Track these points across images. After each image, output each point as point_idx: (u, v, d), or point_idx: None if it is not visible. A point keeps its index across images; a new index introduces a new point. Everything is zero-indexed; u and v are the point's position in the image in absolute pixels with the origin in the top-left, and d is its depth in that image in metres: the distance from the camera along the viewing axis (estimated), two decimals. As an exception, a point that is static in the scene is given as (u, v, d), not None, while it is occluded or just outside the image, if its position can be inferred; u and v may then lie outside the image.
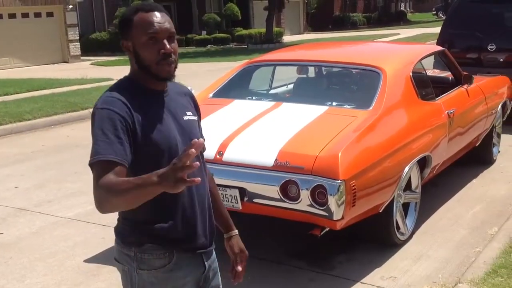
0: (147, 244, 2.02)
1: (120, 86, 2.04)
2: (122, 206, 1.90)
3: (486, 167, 6.47)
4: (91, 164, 1.88)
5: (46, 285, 4.07)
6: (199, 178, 1.70)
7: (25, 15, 21.26)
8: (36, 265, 4.39)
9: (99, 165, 1.86)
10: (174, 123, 2.05)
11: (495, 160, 6.69)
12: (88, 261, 4.34)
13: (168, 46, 1.98)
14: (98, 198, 1.83)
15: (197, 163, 1.68)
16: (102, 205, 1.84)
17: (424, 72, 5.59)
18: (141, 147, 1.95)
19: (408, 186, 4.59)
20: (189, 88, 7.19)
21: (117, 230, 2.10)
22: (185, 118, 2.10)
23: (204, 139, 1.82)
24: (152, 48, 1.98)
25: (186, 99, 2.18)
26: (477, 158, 6.48)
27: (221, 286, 2.31)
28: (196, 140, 1.67)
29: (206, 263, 2.15)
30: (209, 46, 28.34)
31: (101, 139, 1.89)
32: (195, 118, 2.16)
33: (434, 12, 53.79)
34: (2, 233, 5.05)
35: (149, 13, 1.99)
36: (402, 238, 4.52)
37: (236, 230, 2.39)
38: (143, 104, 1.99)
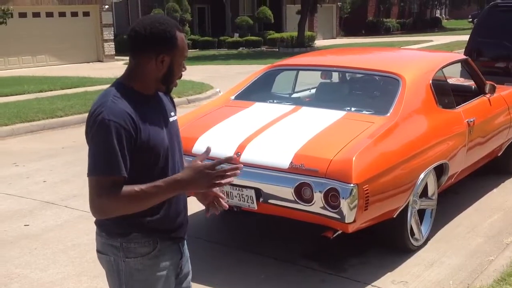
0: (134, 233, 2.16)
1: (120, 93, 2.11)
2: (132, 211, 2.08)
3: (508, 177, 6.45)
4: (100, 176, 2.01)
5: (67, 276, 4.24)
6: (233, 179, 2.03)
7: (62, 14, 21.77)
8: (59, 256, 4.58)
9: (103, 180, 2.01)
10: (164, 125, 2.19)
11: (518, 170, 6.66)
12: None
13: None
14: (106, 207, 2.03)
15: (231, 179, 2.03)
16: (108, 213, 2.06)
17: (445, 80, 5.61)
18: (141, 152, 2.08)
19: (424, 193, 4.63)
20: (217, 90, 7.44)
21: (101, 223, 2.20)
22: (171, 119, 2.25)
23: (205, 150, 2.17)
24: (180, 68, 2.19)
25: (167, 99, 2.32)
26: (499, 168, 6.46)
27: (191, 272, 2.48)
28: (234, 156, 1.97)
29: (182, 251, 2.34)
30: (240, 49, 28.56)
31: (110, 153, 2.01)
32: (176, 118, 2.32)
33: (470, 19, 53.05)
34: (28, 225, 5.25)
35: (183, 35, 2.18)
36: (416, 244, 4.56)
37: None
38: (142, 111, 2.10)
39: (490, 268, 4.10)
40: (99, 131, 2.03)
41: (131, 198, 2.01)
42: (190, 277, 2.46)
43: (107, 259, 2.22)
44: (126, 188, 2.01)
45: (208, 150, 2.16)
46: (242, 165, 2.08)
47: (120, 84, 2.16)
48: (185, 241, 2.39)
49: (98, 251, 2.26)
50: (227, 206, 2.36)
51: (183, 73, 2.23)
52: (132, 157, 2.05)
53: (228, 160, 2.11)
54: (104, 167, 2.01)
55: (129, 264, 2.19)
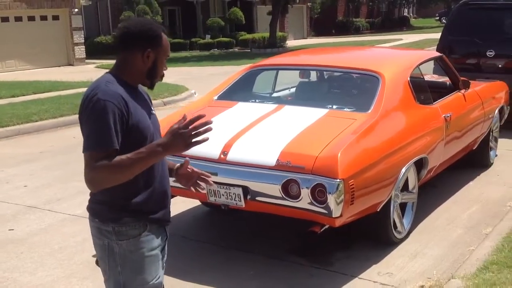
0: (125, 218, 2.36)
1: (112, 80, 2.36)
2: (121, 180, 2.27)
3: (483, 170, 6.64)
4: (95, 150, 2.22)
5: (56, 278, 4.24)
6: (208, 137, 2.22)
7: (31, 18, 21.49)
8: (46, 259, 4.57)
9: (100, 152, 2.22)
10: (149, 116, 2.44)
11: (492, 163, 6.86)
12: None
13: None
14: (97, 177, 2.22)
15: (206, 136, 2.24)
16: (100, 183, 2.26)
17: (422, 77, 5.76)
18: (131, 133, 2.30)
19: (405, 187, 4.76)
20: (193, 91, 7.50)
21: (94, 211, 2.43)
22: (152, 112, 2.51)
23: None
24: (163, 65, 2.46)
25: (147, 97, 2.55)
26: (475, 161, 6.65)
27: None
28: (186, 114, 2.21)
29: (168, 234, 2.57)
30: (212, 50, 28.57)
31: (104, 129, 2.22)
32: (154, 112, 2.54)
33: (438, 18, 53.99)
34: (12, 229, 5.23)
35: (166, 36, 2.44)
36: (399, 236, 4.68)
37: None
38: (131, 97, 2.34)
39: (472, 257, 4.23)
40: (94, 109, 2.24)
41: (120, 165, 2.21)
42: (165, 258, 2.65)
43: (101, 243, 2.42)
44: (116, 159, 2.22)
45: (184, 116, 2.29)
46: (212, 121, 2.25)
47: (111, 74, 2.40)
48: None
49: (93, 236, 2.46)
50: (212, 182, 2.65)
51: (165, 72, 2.49)
52: (123, 137, 2.27)
53: (199, 118, 2.25)
54: (100, 141, 2.22)
55: (122, 246, 2.38)
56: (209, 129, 2.23)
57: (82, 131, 2.30)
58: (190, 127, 2.22)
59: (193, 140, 2.23)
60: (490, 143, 6.81)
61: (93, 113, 2.24)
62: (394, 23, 47.32)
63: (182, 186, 2.69)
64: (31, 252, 4.71)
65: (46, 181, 6.72)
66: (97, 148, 2.22)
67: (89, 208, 2.45)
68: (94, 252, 4.55)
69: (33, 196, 6.16)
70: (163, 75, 2.49)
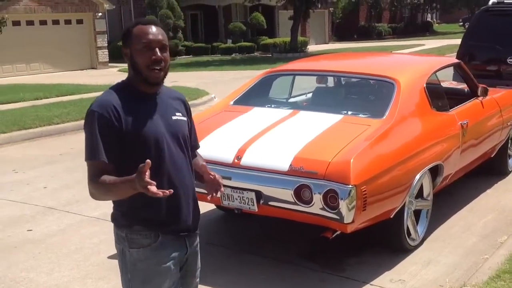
0: (135, 225, 2.35)
1: (117, 88, 2.38)
2: (109, 199, 2.36)
3: (501, 178, 6.58)
4: (86, 161, 2.29)
5: (72, 279, 4.32)
6: (166, 192, 2.07)
7: (55, 22, 21.85)
8: (63, 260, 4.66)
9: (92, 165, 2.27)
10: (162, 121, 2.36)
11: (511, 171, 6.79)
12: (112, 257, 4.58)
13: (159, 53, 2.32)
14: (91, 191, 2.29)
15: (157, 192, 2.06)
16: (94, 196, 2.32)
17: (439, 83, 5.74)
18: (131, 143, 2.28)
19: (420, 194, 4.75)
20: (213, 96, 7.56)
21: (113, 216, 2.45)
22: (174, 118, 2.42)
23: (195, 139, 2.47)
24: (145, 54, 2.31)
25: (177, 103, 2.51)
26: (492, 169, 6.59)
27: (199, 269, 2.61)
28: (148, 161, 2.04)
29: (188, 246, 2.46)
30: (234, 55, 28.69)
31: (93, 141, 2.26)
32: (184, 118, 2.49)
33: (461, 23, 53.44)
34: (31, 230, 5.33)
35: (146, 26, 2.34)
36: (412, 243, 4.67)
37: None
38: (134, 105, 2.32)
39: (485, 266, 4.21)
40: (86, 120, 2.31)
41: (103, 187, 2.22)
42: (198, 273, 2.60)
43: (118, 247, 2.44)
44: (103, 177, 2.22)
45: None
46: (162, 193, 2.07)
47: (122, 81, 2.42)
48: (197, 237, 2.53)
49: (115, 241, 2.47)
50: (222, 190, 2.56)
51: (163, 64, 2.35)
52: (121, 146, 2.26)
53: (145, 166, 2.06)
54: (88, 152, 2.27)
55: (132, 255, 2.37)
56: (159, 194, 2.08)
57: None
58: (144, 184, 2.05)
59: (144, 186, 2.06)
60: (509, 151, 6.74)
61: (85, 124, 2.31)
62: (417, 28, 46.97)
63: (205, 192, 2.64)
64: (48, 253, 4.80)
65: (65, 182, 6.84)
66: (88, 160, 2.28)
67: (111, 213, 2.46)
68: (110, 254, 4.66)
69: (52, 198, 6.27)
70: (151, 64, 2.30)
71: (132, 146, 2.29)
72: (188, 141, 2.48)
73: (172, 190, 2.12)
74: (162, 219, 2.36)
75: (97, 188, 2.25)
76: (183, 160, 2.43)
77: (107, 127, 2.25)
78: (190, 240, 2.48)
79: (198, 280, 2.63)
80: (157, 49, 2.32)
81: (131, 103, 2.31)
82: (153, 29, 2.34)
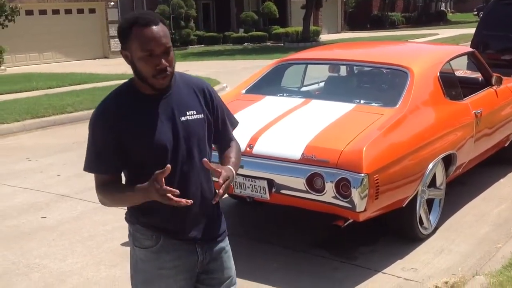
0: (137, 225, 2.26)
1: (120, 92, 2.20)
2: (116, 206, 2.33)
3: (514, 168, 6.54)
4: (85, 170, 2.22)
5: (85, 265, 4.36)
6: (188, 202, 1.99)
7: (68, 11, 21.92)
8: (76, 246, 4.70)
9: (95, 175, 2.20)
10: (169, 125, 2.15)
11: (525, 161, 6.74)
12: (124, 244, 4.62)
13: (164, 61, 2.07)
14: (99, 198, 2.23)
15: (175, 191, 1.97)
16: (104, 204, 2.27)
17: (453, 72, 5.69)
18: (132, 150, 2.14)
19: (433, 183, 4.73)
20: (224, 85, 7.55)
21: (126, 210, 2.35)
22: (183, 119, 2.18)
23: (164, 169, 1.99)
24: (148, 63, 2.06)
25: (192, 96, 2.24)
26: (506, 158, 6.54)
27: (231, 279, 2.41)
28: (168, 166, 1.96)
29: (200, 253, 2.27)
30: (246, 44, 28.63)
31: (91, 151, 2.17)
32: (198, 116, 2.22)
33: (476, 13, 52.88)
34: (45, 217, 5.38)
35: (146, 28, 2.04)
36: (425, 232, 4.66)
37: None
38: (137, 110, 2.13)
39: (498, 255, 4.20)
40: (89, 128, 2.19)
41: (110, 196, 2.17)
42: (228, 283, 2.39)
43: (129, 241, 2.36)
44: (109, 187, 2.16)
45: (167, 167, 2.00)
46: (185, 202, 2.00)
47: (125, 83, 2.23)
48: (218, 245, 2.35)
49: None
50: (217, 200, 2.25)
51: (167, 68, 2.09)
52: (123, 153, 2.14)
53: (157, 179, 1.98)
54: (87, 163, 2.20)
55: (136, 252, 2.29)
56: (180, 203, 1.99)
57: None
58: (163, 193, 1.97)
59: (167, 196, 1.97)
60: (523, 140, 6.68)
61: (89, 131, 2.18)
62: (431, 18, 46.57)
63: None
64: (62, 240, 4.85)
65: (78, 171, 6.77)
66: (87, 171, 2.20)
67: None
68: (122, 241, 4.69)
69: (65, 185, 6.32)
70: (157, 74, 2.08)
71: (133, 155, 2.14)
72: (205, 140, 2.25)
73: (192, 200, 2.02)
74: (164, 226, 2.22)
75: (104, 196, 2.18)
76: (195, 166, 2.21)
77: (106, 135, 2.11)
78: (205, 247, 2.29)
79: None
80: (161, 57, 2.07)
81: (135, 108, 2.13)
82: (155, 31, 2.05)
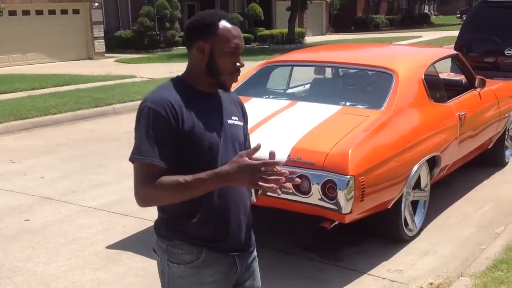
0: (175, 240, 2.12)
1: (172, 85, 2.14)
2: (172, 201, 2.06)
3: (498, 169, 6.61)
4: (132, 160, 2.05)
5: (70, 268, 4.32)
6: (276, 186, 1.94)
7: (51, 12, 21.70)
8: (61, 249, 4.66)
9: (143, 165, 2.02)
10: (218, 124, 2.14)
11: (508, 162, 6.82)
12: (109, 247, 4.59)
13: (242, 61, 2.13)
14: (144, 195, 2.03)
15: (274, 185, 1.94)
16: (148, 201, 2.06)
17: (437, 75, 5.74)
18: (185, 144, 2.06)
19: (417, 185, 4.76)
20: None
21: (155, 223, 2.21)
22: (230, 122, 2.19)
23: (255, 146, 1.99)
24: (230, 60, 2.10)
25: (234, 106, 2.27)
26: (490, 160, 6.61)
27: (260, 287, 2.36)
28: (259, 143, 1.94)
29: (238, 264, 2.21)
30: (231, 46, 28.57)
31: (146, 139, 2.02)
32: (240, 123, 2.25)
33: (459, 15, 53.41)
34: (29, 220, 5.32)
35: (233, 26, 2.12)
36: (410, 234, 4.69)
37: None
38: (190, 105, 2.09)
39: (482, 256, 4.23)
40: (139, 118, 2.07)
41: (168, 187, 1.99)
42: None
43: (157, 259, 2.22)
44: (167, 178, 1.99)
45: (271, 153, 2.01)
46: (288, 173, 1.99)
47: (176, 77, 2.19)
48: (251, 255, 2.29)
49: (153, 250, 2.24)
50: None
51: (241, 69, 2.14)
52: (176, 145, 2.05)
53: (274, 163, 1.97)
54: (141, 152, 2.02)
55: (171, 269, 2.15)
56: (283, 181, 1.96)
57: None
58: (263, 171, 1.92)
59: (260, 182, 1.93)
60: (506, 142, 6.76)
61: (139, 121, 2.06)
62: (414, 20, 46.96)
63: None
64: (46, 243, 4.80)
65: (62, 173, 6.83)
66: (139, 160, 2.03)
67: (155, 219, 2.22)
68: (107, 244, 4.66)
69: (49, 188, 6.26)
70: (234, 72, 2.13)
71: (184, 149, 2.06)
72: (242, 148, 2.22)
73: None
74: (207, 234, 2.12)
75: (159, 189, 1.99)
76: None
77: (164, 125, 2.02)
78: (242, 258, 2.22)
79: None
80: (240, 56, 2.13)
81: (188, 102, 2.08)
82: (239, 31, 2.12)
